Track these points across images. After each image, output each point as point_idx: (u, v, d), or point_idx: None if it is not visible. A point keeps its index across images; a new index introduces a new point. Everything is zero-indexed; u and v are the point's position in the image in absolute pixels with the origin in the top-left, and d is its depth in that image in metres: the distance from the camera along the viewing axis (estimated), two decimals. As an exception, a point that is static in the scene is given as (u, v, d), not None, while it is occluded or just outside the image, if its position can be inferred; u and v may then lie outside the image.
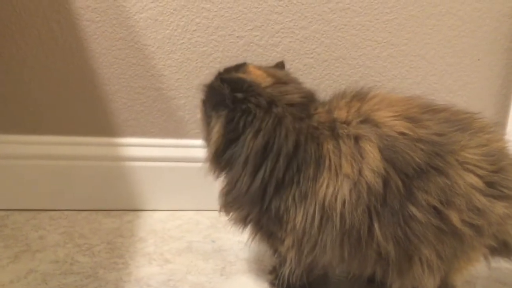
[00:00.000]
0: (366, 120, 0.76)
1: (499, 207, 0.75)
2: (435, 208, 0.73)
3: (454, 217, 0.73)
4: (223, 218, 1.09)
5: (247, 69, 0.84)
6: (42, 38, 1.04)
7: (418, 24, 1.10)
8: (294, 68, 1.11)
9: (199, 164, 1.13)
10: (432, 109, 0.79)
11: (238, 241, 1.05)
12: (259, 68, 0.86)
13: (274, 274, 0.90)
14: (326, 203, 0.74)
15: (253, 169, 0.77)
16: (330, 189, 0.74)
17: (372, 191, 0.73)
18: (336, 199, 0.74)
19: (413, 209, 0.73)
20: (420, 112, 0.78)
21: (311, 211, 0.75)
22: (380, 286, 0.83)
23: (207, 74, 1.08)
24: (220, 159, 0.82)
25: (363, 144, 0.74)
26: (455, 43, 1.13)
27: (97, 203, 1.14)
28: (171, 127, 1.12)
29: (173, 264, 0.96)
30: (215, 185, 1.14)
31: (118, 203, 1.14)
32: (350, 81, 1.13)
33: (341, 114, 0.78)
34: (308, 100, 0.81)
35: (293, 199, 0.76)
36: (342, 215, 0.74)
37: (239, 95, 0.78)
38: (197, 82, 1.09)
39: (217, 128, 0.81)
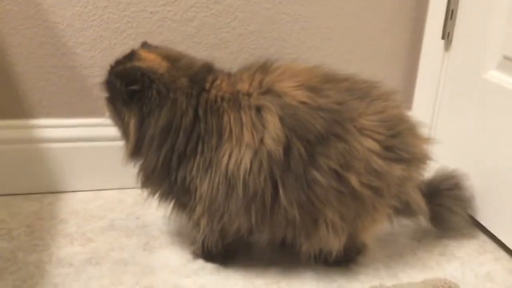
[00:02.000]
0: (268, 91, 0.79)
1: (397, 169, 0.81)
2: (335, 172, 0.78)
3: (354, 180, 0.78)
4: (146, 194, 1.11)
5: (140, 56, 0.83)
6: None
7: (328, -3, 1.14)
8: (210, 42, 1.12)
9: (119, 143, 1.13)
10: (333, 79, 0.84)
11: (162, 216, 1.06)
12: (151, 51, 0.85)
13: (196, 244, 0.93)
14: (229, 171, 0.77)
15: (157, 147, 0.80)
16: (233, 158, 0.77)
17: (274, 158, 0.76)
18: (238, 168, 0.77)
19: (316, 174, 0.77)
20: (322, 82, 0.82)
21: (216, 180, 0.78)
22: (291, 249, 0.87)
23: (122, 51, 1.07)
24: (138, 149, 0.83)
25: (264, 114, 0.77)
26: (363, 15, 1.17)
27: (16, 187, 1.11)
28: (87, 106, 1.11)
29: (95, 243, 0.96)
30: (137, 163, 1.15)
31: (37, 186, 1.12)
32: (266, 54, 1.15)
33: (243, 86, 0.81)
34: (203, 74, 0.83)
35: (198, 169, 0.79)
36: (245, 183, 0.77)
37: (135, 87, 0.79)
38: (112, 59, 1.08)
39: (131, 123, 0.82)
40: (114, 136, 1.11)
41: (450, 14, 1.09)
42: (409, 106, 1.26)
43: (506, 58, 0.96)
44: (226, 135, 0.78)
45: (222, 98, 0.80)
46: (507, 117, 0.95)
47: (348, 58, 1.20)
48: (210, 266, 0.91)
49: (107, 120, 1.12)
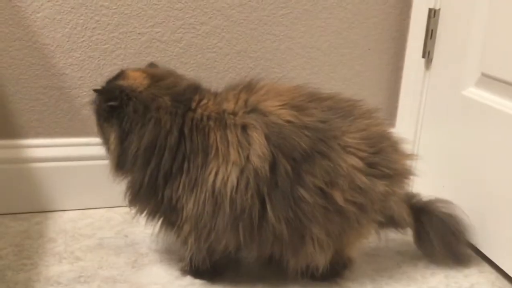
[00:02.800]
0: (253, 110, 0.81)
1: (380, 185, 0.82)
2: (321, 189, 0.79)
3: (338, 197, 0.80)
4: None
5: (125, 75, 0.86)
6: None
7: (312, 18, 1.17)
8: (197, 62, 1.14)
9: (107, 162, 1.14)
10: (317, 98, 0.86)
11: (150, 234, 1.07)
12: (137, 70, 0.88)
13: (184, 261, 0.93)
14: (216, 189, 0.78)
15: (142, 166, 0.81)
16: (219, 176, 0.78)
17: (260, 175, 0.78)
18: (225, 185, 0.78)
19: (302, 191, 0.79)
20: (306, 100, 0.84)
21: (202, 197, 0.79)
22: (279, 265, 0.88)
23: (110, 72, 1.09)
24: (121, 164, 0.85)
25: (250, 132, 0.79)
26: (347, 34, 1.21)
27: (4, 207, 1.11)
28: (76, 126, 1.12)
29: (84, 261, 0.97)
30: (125, 181, 1.16)
31: (25, 205, 1.12)
32: (252, 74, 1.18)
33: (229, 105, 0.82)
34: (189, 93, 0.85)
35: (184, 187, 0.80)
36: (232, 200, 0.78)
37: (113, 103, 0.82)
38: (100, 80, 1.10)
39: (112, 138, 0.84)
40: (102, 155, 1.12)
41: (430, 34, 1.12)
42: (392, 123, 1.29)
43: (484, 75, 0.99)
44: (213, 153, 0.79)
45: (208, 117, 0.82)
46: (485, 132, 0.98)
47: (333, 77, 1.23)
48: (198, 282, 0.92)
49: (95, 140, 1.13)
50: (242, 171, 0.78)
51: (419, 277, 0.96)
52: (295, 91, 0.86)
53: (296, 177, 0.79)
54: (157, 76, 0.86)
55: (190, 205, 0.80)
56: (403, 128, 1.25)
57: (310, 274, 0.89)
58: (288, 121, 0.79)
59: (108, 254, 1.00)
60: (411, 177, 0.91)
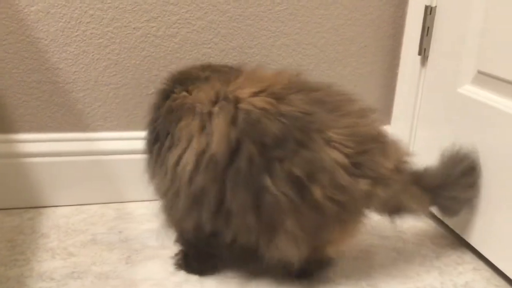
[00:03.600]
0: (225, 98, 0.81)
1: (363, 185, 0.79)
2: (298, 180, 0.76)
3: (317, 192, 0.76)
4: (130, 209, 1.12)
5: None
6: None
7: (308, 14, 1.17)
8: (192, 58, 1.13)
9: (102, 157, 1.14)
10: (305, 88, 0.83)
11: (145, 229, 1.06)
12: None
13: (179, 255, 0.93)
14: (178, 172, 0.80)
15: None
16: (182, 160, 0.80)
17: (219, 161, 0.77)
18: (184, 169, 0.79)
19: (268, 180, 0.76)
20: (291, 89, 0.81)
21: (167, 178, 0.82)
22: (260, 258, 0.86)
23: (105, 66, 1.09)
24: None
25: (216, 119, 0.79)
26: (343, 31, 1.20)
27: (-4, 202, 1.10)
28: (70, 121, 1.11)
29: (77, 257, 0.96)
30: (120, 177, 1.15)
31: (18, 201, 1.11)
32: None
33: (201, 94, 0.83)
34: (171, 85, 0.89)
35: (156, 167, 0.86)
36: (190, 182, 0.79)
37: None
38: (95, 74, 1.09)
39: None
40: (95, 150, 1.12)
41: (426, 31, 1.12)
42: (388, 121, 1.29)
43: (480, 72, 0.99)
44: (179, 138, 0.81)
45: (182, 106, 0.84)
46: (481, 130, 0.98)
47: (329, 74, 1.23)
48: (193, 278, 0.91)
49: (89, 135, 1.13)
50: (201, 156, 0.78)
51: (414, 274, 0.96)
52: (277, 78, 0.85)
53: (265, 164, 0.76)
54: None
55: (161, 183, 0.85)
56: (398, 125, 1.25)
57: (287, 270, 0.88)
58: (262, 108, 0.78)
59: (102, 250, 0.99)
60: (400, 181, 0.85)
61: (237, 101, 0.79)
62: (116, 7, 1.06)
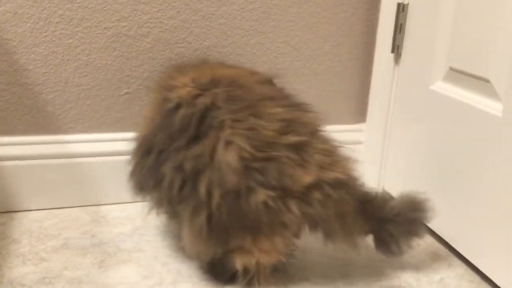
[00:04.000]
0: (166, 87, 0.87)
1: (260, 194, 0.74)
2: (185, 173, 0.77)
3: (201, 189, 0.75)
4: (104, 212, 1.10)
5: None
6: None
7: (281, 12, 1.16)
8: (165, 58, 1.12)
9: (74, 160, 1.11)
10: (242, 85, 0.83)
11: (119, 232, 1.05)
12: None
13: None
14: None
15: None
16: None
17: (145, 146, 0.86)
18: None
19: (163, 169, 0.80)
20: (218, 83, 0.82)
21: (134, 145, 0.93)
22: None
23: (75, 67, 1.07)
24: None
25: (147, 110, 0.90)
26: (317, 29, 1.20)
27: (-34, 208, 1.08)
28: (41, 123, 1.09)
29: (48, 262, 0.94)
30: (93, 179, 1.14)
31: (-11, 206, 1.09)
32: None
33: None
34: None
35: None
36: (139, 149, 0.89)
37: None
38: (65, 75, 1.07)
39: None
40: (67, 153, 1.10)
41: (399, 28, 1.13)
42: (363, 119, 1.29)
43: (452, 69, 0.99)
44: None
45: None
46: (454, 126, 0.98)
47: (303, 72, 1.22)
48: (166, 281, 0.90)
49: (60, 137, 1.11)
50: (141, 139, 0.88)
51: (389, 271, 0.96)
52: (215, 71, 0.89)
53: (164, 153, 0.80)
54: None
55: None
56: (373, 123, 1.25)
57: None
58: (179, 97, 0.82)
59: (74, 254, 0.97)
60: (316, 198, 0.77)
61: (169, 88, 0.85)
62: (86, 6, 1.04)
